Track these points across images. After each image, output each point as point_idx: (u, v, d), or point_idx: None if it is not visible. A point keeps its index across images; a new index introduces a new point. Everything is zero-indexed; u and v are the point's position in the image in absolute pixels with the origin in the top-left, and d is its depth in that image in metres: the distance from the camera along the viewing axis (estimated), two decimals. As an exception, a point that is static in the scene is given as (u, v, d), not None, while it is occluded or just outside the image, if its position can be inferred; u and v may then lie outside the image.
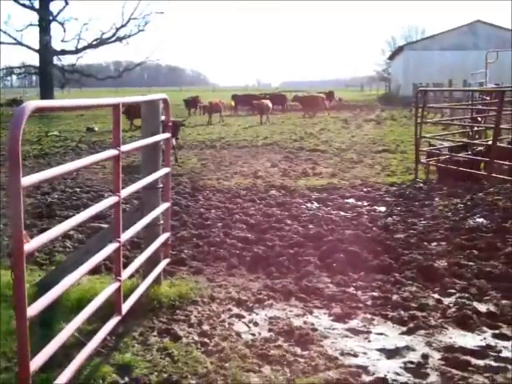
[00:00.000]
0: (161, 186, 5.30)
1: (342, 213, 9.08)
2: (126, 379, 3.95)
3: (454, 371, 4.11)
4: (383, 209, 9.37)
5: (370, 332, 4.80)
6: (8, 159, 2.42)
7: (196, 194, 10.61)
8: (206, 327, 4.82)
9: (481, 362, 4.26)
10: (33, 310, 2.69)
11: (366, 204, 9.77)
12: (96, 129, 24.21)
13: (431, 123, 14.28)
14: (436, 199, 9.93)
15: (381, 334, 4.77)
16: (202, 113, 32.60)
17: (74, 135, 23.00)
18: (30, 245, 2.63)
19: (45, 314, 3.27)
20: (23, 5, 45.02)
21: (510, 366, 4.19)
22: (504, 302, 5.37)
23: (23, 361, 2.72)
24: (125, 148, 3.88)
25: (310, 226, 8.04)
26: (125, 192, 3.99)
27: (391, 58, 74.22)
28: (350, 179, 12.07)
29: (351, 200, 10.09)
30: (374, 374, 4.09)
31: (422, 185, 11.19)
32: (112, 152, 3.72)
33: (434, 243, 7.34)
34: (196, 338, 4.62)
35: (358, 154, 16.09)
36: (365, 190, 10.91)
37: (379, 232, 7.79)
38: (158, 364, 4.16)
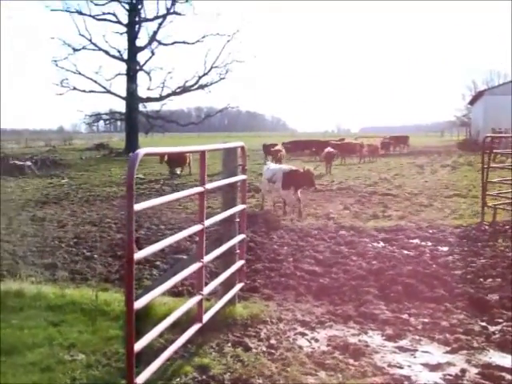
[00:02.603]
0: (237, 219, 6.20)
1: (405, 251, 9.70)
2: (204, 377, 4.78)
3: (487, 383, 4.71)
4: (445, 248, 9.91)
5: (417, 350, 5.46)
6: (127, 190, 3.38)
7: (271, 232, 11.49)
8: (273, 341, 5.61)
9: (513, 377, 4.84)
10: (139, 303, 3.61)
11: (429, 244, 10.33)
12: (178, 172, 25.62)
13: (499, 168, 14.63)
14: (499, 240, 10.37)
15: (426, 351, 5.43)
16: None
17: (157, 178, 24.50)
18: (139, 254, 3.57)
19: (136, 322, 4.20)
20: (113, 56, 48.20)
21: (540, 382, 4.75)
22: (547, 331, 5.90)
23: (130, 345, 3.62)
24: (209, 186, 4.83)
25: (374, 262, 8.75)
26: (207, 222, 4.91)
27: (471, 102, 73.59)
28: (417, 221, 12.62)
29: (416, 240, 10.67)
30: (415, 381, 4.75)
31: (487, 227, 11.63)
32: (199, 189, 4.67)
33: (490, 279, 7.87)
34: (264, 348, 5.43)
35: (429, 199, 16.57)
36: (430, 231, 11.45)
37: (438, 268, 8.39)
38: (230, 367, 4.99)
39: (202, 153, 4.65)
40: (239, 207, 6.08)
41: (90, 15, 47.34)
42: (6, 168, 29.12)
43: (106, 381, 4.62)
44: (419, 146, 53.67)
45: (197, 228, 4.68)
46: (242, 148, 6.02)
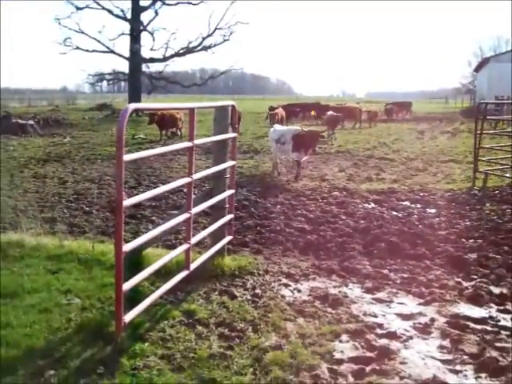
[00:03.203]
0: (227, 175, 6.49)
1: (394, 212, 10.02)
2: (190, 320, 5.14)
3: (453, 331, 5.07)
4: (433, 211, 10.23)
5: (392, 301, 5.82)
6: (116, 142, 3.67)
7: (265, 192, 11.80)
8: (257, 291, 5.96)
9: (478, 327, 5.20)
10: (127, 247, 3.93)
11: (418, 206, 10.65)
12: (178, 133, 25.80)
13: (492, 134, 14.81)
14: (486, 204, 10.68)
15: (401, 303, 5.79)
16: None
17: (158, 138, 24.69)
18: (127, 201, 3.88)
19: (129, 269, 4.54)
20: (116, 15, 47.85)
21: (503, 331, 5.10)
22: (518, 286, 6.24)
23: (118, 285, 3.95)
24: (197, 142, 5.11)
25: (361, 222, 9.09)
26: (196, 176, 5.21)
27: (477, 69, 73.13)
28: (410, 185, 12.92)
29: (406, 202, 10.99)
30: (386, 328, 5.11)
31: (476, 192, 11.92)
32: (187, 144, 4.96)
33: (471, 240, 8.20)
34: (249, 297, 5.78)
35: (424, 163, 16.84)
36: (421, 194, 11.76)
37: (423, 229, 8.72)
38: (216, 312, 5.34)
39: (192, 110, 4.93)
40: (229, 163, 6.36)
41: (93, -26, 46.86)
42: (8, 127, 29.35)
43: (98, 321, 4.97)
44: (422, 112, 53.49)
45: (185, 180, 4.98)
46: (233, 107, 6.27)
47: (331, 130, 25.33)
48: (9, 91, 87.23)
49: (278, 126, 15.86)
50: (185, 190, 10.82)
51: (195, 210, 5.31)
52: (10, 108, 49.77)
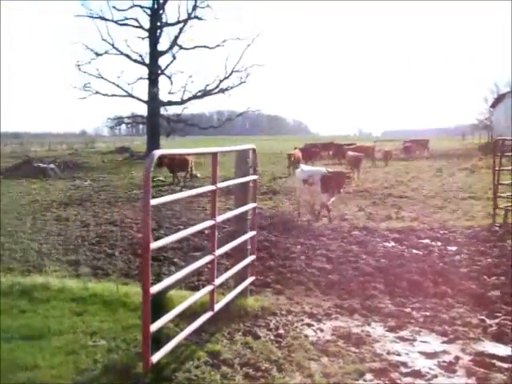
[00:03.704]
0: (249, 217, 6.60)
1: (415, 250, 10.02)
2: (215, 361, 5.18)
3: (479, 369, 5.05)
4: (454, 248, 10.21)
5: (416, 340, 5.81)
6: (143, 185, 3.80)
7: (285, 232, 11.88)
8: (281, 331, 6.00)
9: (505, 365, 5.17)
10: (154, 288, 4.02)
11: (439, 244, 10.63)
12: (198, 175, 26.05)
13: (510, 171, 14.74)
14: (508, 241, 10.64)
15: (424, 341, 5.77)
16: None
17: (177, 181, 24.95)
18: (154, 244, 3.99)
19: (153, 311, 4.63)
20: (135, 60, 48.87)
21: (530, 370, 5.08)
22: (542, 324, 6.21)
23: (145, 326, 4.03)
24: (220, 185, 5.24)
25: (382, 260, 9.11)
26: (219, 218, 5.33)
27: (493, 105, 73.15)
28: (429, 223, 12.92)
29: (426, 240, 10.97)
30: (411, 367, 5.11)
31: (497, 228, 11.89)
32: (211, 187, 5.08)
33: (494, 277, 8.17)
34: (272, 337, 5.82)
35: (444, 201, 16.85)
36: (441, 232, 11.75)
37: (444, 266, 8.71)
38: (240, 352, 5.38)
39: (214, 154, 5.07)
40: (250, 205, 6.47)
41: (112, 20, 48.08)
42: (30, 170, 29.94)
43: (125, 363, 5.04)
44: (440, 149, 53.54)
45: (208, 223, 5.09)
46: (253, 150, 6.42)
47: (354, 169, 25.05)
48: (29, 135, 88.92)
49: (305, 167, 15.73)
50: (206, 231, 10.99)
51: (219, 251, 5.41)
52: (31, 152, 50.78)
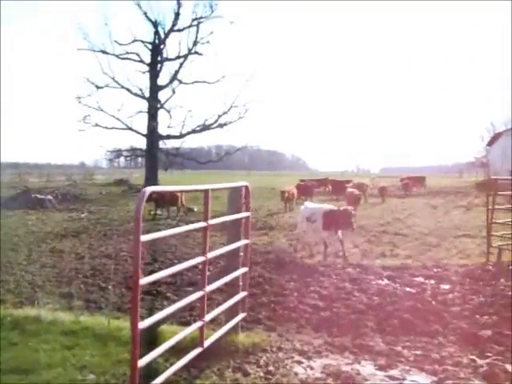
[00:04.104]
0: (241, 253, 6.64)
1: (408, 288, 10.04)
2: (204, 398, 5.19)
3: (467, 410, 5.06)
4: (447, 287, 10.23)
5: (405, 379, 5.81)
6: (134, 222, 3.86)
7: (279, 268, 11.90)
8: (271, 368, 6.00)
9: (493, 406, 5.17)
10: (143, 324, 4.06)
11: (432, 282, 10.65)
12: (195, 209, 26.11)
13: (504, 209, 14.84)
14: (501, 280, 10.66)
15: (414, 381, 5.77)
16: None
17: (174, 215, 25.01)
18: (144, 280, 4.04)
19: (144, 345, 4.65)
20: (135, 94, 49.33)
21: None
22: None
23: (134, 361, 4.05)
24: (212, 221, 5.31)
25: (375, 298, 9.13)
26: (210, 254, 5.37)
27: (490, 144, 73.68)
28: (423, 261, 12.94)
29: (419, 278, 11.00)
30: (399, 407, 5.11)
31: (490, 267, 11.93)
32: (202, 224, 5.15)
33: (486, 316, 8.18)
34: (261, 374, 5.81)
35: (438, 239, 16.89)
36: (435, 270, 11.78)
37: (436, 305, 8.73)
38: (229, 390, 5.39)
39: (206, 191, 5.15)
40: (242, 242, 6.53)
41: (113, 54, 48.69)
42: (28, 201, 29.98)
43: (113, 398, 5.04)
44: (437, 186, 53.75)
45: (199, 259, 5.14)
46: (246, 187, 6.50)
47: (353, 206, 24.99)
48: (28, 166, 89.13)
49: (309, 204, 15.47)
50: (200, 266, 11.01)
51: (209, 287, 5.44)
52: (30, 183, 50.86)
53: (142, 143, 51.34)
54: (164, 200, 24.66)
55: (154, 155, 49.05)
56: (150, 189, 4.11)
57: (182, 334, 5.03)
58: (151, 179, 46.29)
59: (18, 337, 6.85)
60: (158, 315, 4.46)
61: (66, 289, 10.03)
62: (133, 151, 55.46)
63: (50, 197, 32.24)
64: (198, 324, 5.31)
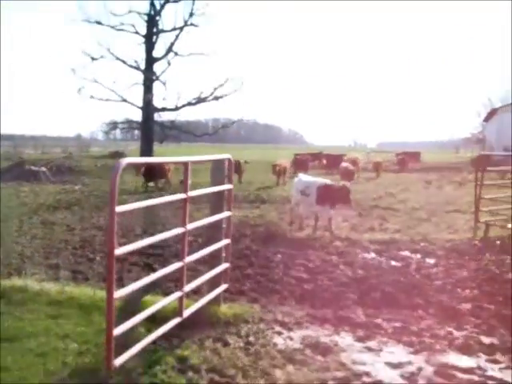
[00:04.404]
0: (224, 226, 6.71)
1: (393, 262, 10.15)
2: (182, 366, 5.29)
3: (440, 379, 5.18)
4: (432, 261, 10.34)
5: (382, 350, 5.92)
6: (109, 193, 3.91)
7: (267, 241, 11.99)
8: (251, 338, 6.10)
9: (465, 376, 5.29)
10: (118, 293, 4.13)
11: (418, 256, 10.76)
12: (189, 182, 26.09)
13: (492, 185, 14.93)
14: (486, 255, 10.78)
15: (391, 352, 5.89)
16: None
17: (167, 187, 25.02)
18: (119, 250, 4.10)
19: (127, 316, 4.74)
20: (130, 66, 49.12)
21: (489, 381, 5.20)
22: (508, 338, 6.33)
23: (109, 330, 4.13)
24: (191, 193, 5.36)
25: (359, 271, 9.22)
26: (190, 226, 5.44)
27: (486, 120, 73.64)
28: (411, 235, 13.04)
29: (406, 252, 11.10)
30: (374, 376, 5.22)
31: (477, 242, 12.04)
32: (181, 195, 5.20)
33: (467, 290, 8.30)
34: (241, 344, 5.92)
35: (429, 214, 16.97)
36: (422, 244, 11.88)
37: (419, 279, 8.84)
38: (208, 358, 5.49)
39: (186, 164, 5.19)
40: (225, 214, 6.59)
41: (108, 25, 48.36)
42: (21, 173, 29.98)
43: (92, 366, 5.14)
44: (432, 162, 53.86)
45: (179, 230, 5.20)
46: (229, 160, 6.54)
47: (347, 182, 24.89)
48: (24, 138, 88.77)
49: (303, 176, 15.11)
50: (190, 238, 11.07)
51: (189, 258, 5.51)
52: (25, 154, 50.75)
53: (137, 116, 51.31)
54: (152, 173, 24.63)
55: (150, 128, 49.01)
56: (125, 160, 4.16)
57: (160, 304, 5.12)
58: (146, 151, 46.33)
59: (4, 306, 6.94)
60: (134, 285, 4.53)
61: (54, 260, 10.11)
62: (128, 123, 55.40)
63: (44, 169, 32.22)
64: (177, 294, 5.39)
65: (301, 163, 34.16)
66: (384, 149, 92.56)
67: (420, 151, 51.71)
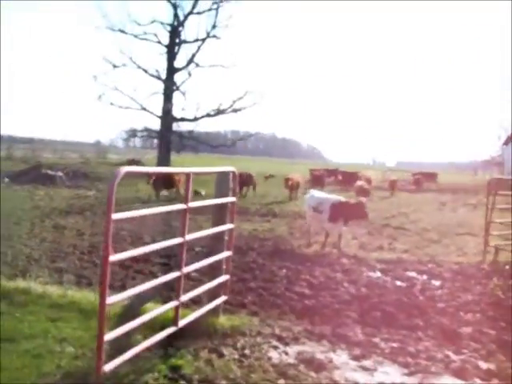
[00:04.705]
0: (226, 238, 6.75)
1: (398, 282, 10.11)
2: (175, 375, 5.32)
3: (431, 402, 5.16)
4: (438, 283, 10.28)
5: (377, 370, 5.90)
6: (107, 201, 3.97)
7: (274, 255, 12.01)
8: (246, 351, 6.12)
9: (457, 400, 5.27)
10: (111, 299, 4.18)
11: (424, 277, 10.70)
12: (203, 193, 26.18)
13: (503, 209, 14.83)
14: (494, 279, 10.69)
15: (385, 372, 5.87)
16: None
17: (178, 196, 25.11)
18: (114, 257, 4.15)
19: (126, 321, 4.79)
20: (151, 75, 49.49)
21: (482, 406, 5.17)
22: (506, 364, 6.28)
23: (100, 336, 4.18)
24: (191, 204, 5.41)
25: (363, 290, 9.20)
26: (189, 236, 5.48)
27: (506, 143, 73.22)
28: (420, 256, 12.98)
29: (412, 273, 11.04)
30: (365, 396, 5.21)
31: (485, 266, 11.96)
32: (181, 206, 5.26)
33: (470, 314, 8.23)
34: (236, 356, 5.94)
35: (440, 235, 16.89)
36: (429, 265, 11.81)
37: (422, 300, 8.80)
38: (201, 369, 5.51)
39: (188, 175, 5.25)
40: (227, 226, 6.63)
41: (132, 34, 48.80)
42: (38, 176, 30.31)
43: (85, 370, 5.18)
44: (449, 183, 53.50)
45: (177, 241, 5.25)
46: (233, 173, 6.59)
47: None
48: (43, 142, 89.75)
49: (316, 193, 14.94)
50: (197, 248, 11.13)
51: (187, 269, 5.56)
52: (43, 158, 51.29)
53: (156, 124, 51.56)
54: (162, 183, 24.66)
55: (167, 137, 49.22)
56: (125, 169, 4.22)
57: (155, 312, 5.16)
58: (163, 161, 46.54)
59: (6, 307, 7.03)
60: (128, 292, 4.58)
61: (60, 264, 10.21)
62: (147, 132, 55.63)
63: (60, 173, 32.54)
64: (173, 304, 5.43)
65: (317, 179, 34.12)
66: (402, 168, 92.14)
67: (437, 172, 51.36)
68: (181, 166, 32.26)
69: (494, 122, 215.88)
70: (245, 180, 27.04)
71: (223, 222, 6.62)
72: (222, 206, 6.58)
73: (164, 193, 25.48)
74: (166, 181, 24.53)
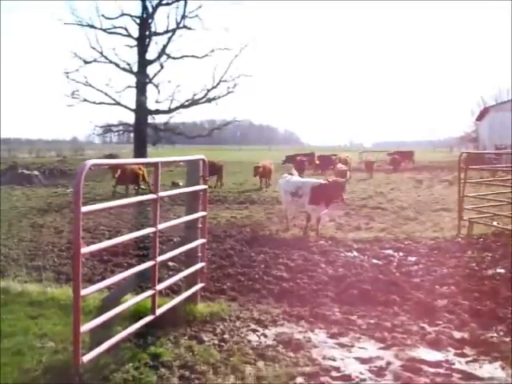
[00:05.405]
0: (200, 225, 6.83)
1: (375, 260, 10.26)
2: (155, 363, 5.41)
3: (406, 373, 5.30)
4: (413, 258, 10.46)
5: (354, 346, 6.05)
6: (74, 194, 4.03)
7: (252, 241, 12.11)
8: (226, 336, 6.23)
9: (431, 370, 5.42)
10: (85, 291, 4.24)
11: (400, 254, 10.87)
12: (181, 183, 26.15)
13: (474, 183, 15.09)
14: (468, 252, 10.91)
15: (362, 347, 6.02)
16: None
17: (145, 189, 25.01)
18: (85, 249, 4.22)
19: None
20: (123, 69, 49.12)
21: (455, 374, 5.33)
22: (478, 332, 6.46)
23: (76, 327, 4.25)
24: (162, 194, 5.48)
25: (340, 270, 9.35)
26: (161, 226, 5.56)
27: (479, 118, 73.91)
28: (396, 234, 13.16)
29: (388, 251, 11.20)
30: (342, 372, 5.34)
31: (460, 239, 12.18)
32: (152, 196, 5.32)
33: (445, 287, 8.41)
34: (216, 342, 6.05)
35: (416, 212, 17.10)
36: (405, 242, 11.99)
37: (399, 276, 8.97)
38: (181, 355, 5.61)
39: (156, 164, 5.31)
40: (200, 214, 6.71)
41: (101, 29, 48.37)
42: (14, 177, 30.06)
43: (66, 363, 5.25)
44: (425, 161, 54.01)
45: (150, 230, 5.33)
46: (204, 161, 6.66)
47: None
48: (19, 142, 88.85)
49: (291, 177, 14.67)
50: (175, 239, 11.17)
51: (161, 257, 5.63)
52: (19, 158, 50.81)
53: (131, 118, 51.29)
54: (126, 177, 22.98)
55: (143, 130, 49.05)
56: (90, 162, 4.27)
57: (131, 302, 5.24)
58: (139, 154, 46.39)
59: (-15, 308, 7.04)
60: (101, 284, 4.65)
61: (39, 262, 10.21)
62: (122, 126, 55.29)
63: (36, 172, 32.30)
64: (149, 293, 5.51)
65: (300, 164, 34.20)
66: (380, 148, 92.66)
67: (413, 150, 51.69)
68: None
69: (468, 97, 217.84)
70: (213, 170, 26.20)
71: (196, 210, 6.70)
72: (194, 194, 6.65)
73: (142, 186, 25.34)
74: (131, 175, 23.09)
